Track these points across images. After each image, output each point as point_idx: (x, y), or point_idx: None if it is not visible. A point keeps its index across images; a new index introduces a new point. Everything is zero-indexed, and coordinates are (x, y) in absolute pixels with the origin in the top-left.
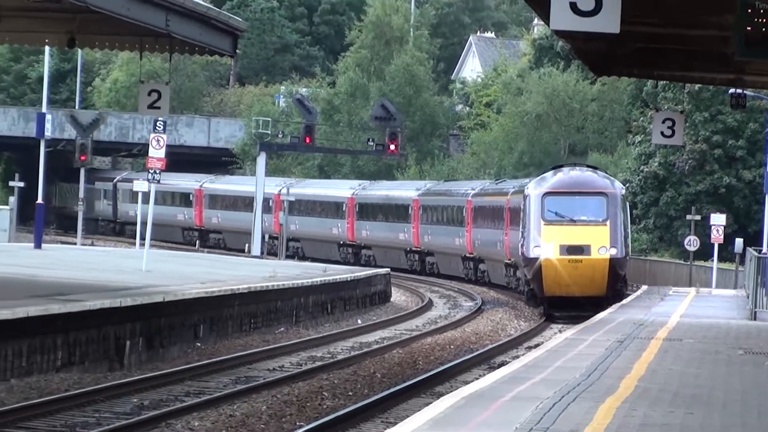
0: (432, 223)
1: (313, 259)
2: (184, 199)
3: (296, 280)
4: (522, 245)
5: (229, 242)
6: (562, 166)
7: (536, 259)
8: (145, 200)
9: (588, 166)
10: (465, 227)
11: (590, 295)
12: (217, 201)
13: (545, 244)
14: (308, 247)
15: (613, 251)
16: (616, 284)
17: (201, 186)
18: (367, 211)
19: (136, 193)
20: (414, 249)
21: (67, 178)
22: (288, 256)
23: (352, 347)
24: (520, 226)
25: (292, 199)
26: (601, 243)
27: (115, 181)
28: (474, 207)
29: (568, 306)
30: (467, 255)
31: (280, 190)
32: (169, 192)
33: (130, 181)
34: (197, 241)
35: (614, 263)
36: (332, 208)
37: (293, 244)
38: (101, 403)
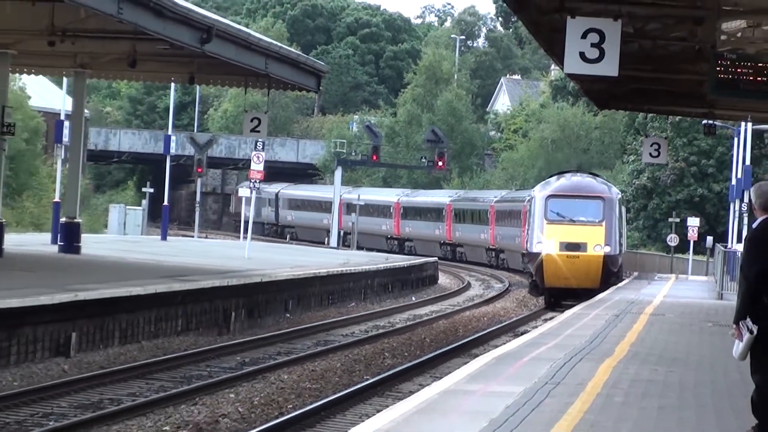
0: (461, 222)
1: (371, 249)
2: (326, 206)
3: (364, 266)
4: (527, 241)
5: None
6: (565, 172)
7: (539, 254)
8: (260, 204)
9: (589, 173)
10: (489, 225)
11: (586, 287)
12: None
13: (547, 240)
14: (366, 240)
15: (608, 249)
16: (609, 278)
17: (341, 196)
18: (410, 212)
19: (293, 200)
20: (447, 242)
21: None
22: (358, 248)
23: (407, 318)
24: (527, 224)
25: (362, 203)
26: (596, 241)
27: (277, 192)
28: (497, 210)
29: (566, 296)
30: (490, 247)
31: (356, 196)
32: (309, 200)
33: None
34: (288, 235)
35: (608, 259)
36: (384, 210)
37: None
38: (212, 359)
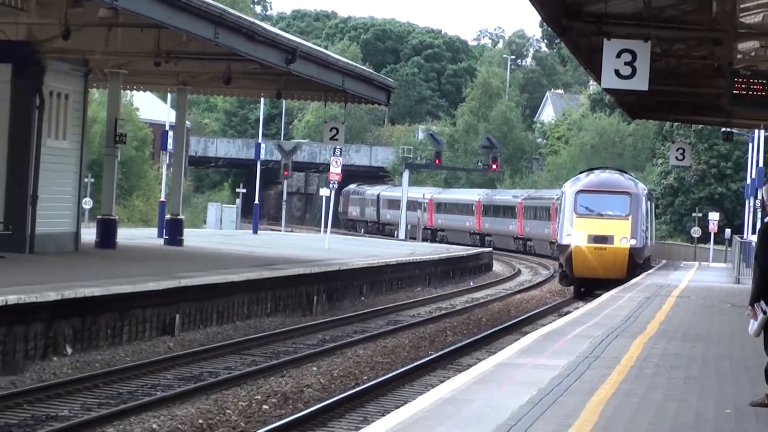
0: (531, 218)
1: (455, 244)
2: (417, 205)
3: (429, 256)
4: (557, 233)
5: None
6: (594, 169)
7: (568, 245)
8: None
9: (617, 170)
10: (516, 219)
11: (612, 277)
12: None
13: (576, 233)
14: (451, 236)
15: (633, 242)
16: (635, 269)
17: (426, 197)
18: (443, 207)
19: (393, 200)
20: (476, 231)
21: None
22: (423, 240)
23: (466, 301)
24: (558, 218)
25: (449, 202)
26: (623, 234)
27: (378, 193)
28: (524, 206)
29: (594, 286)
30: (518, 236)
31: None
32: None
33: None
34: (362, 229)
35: (633, 252)
36: (467, 209)
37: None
38: (297, 337)
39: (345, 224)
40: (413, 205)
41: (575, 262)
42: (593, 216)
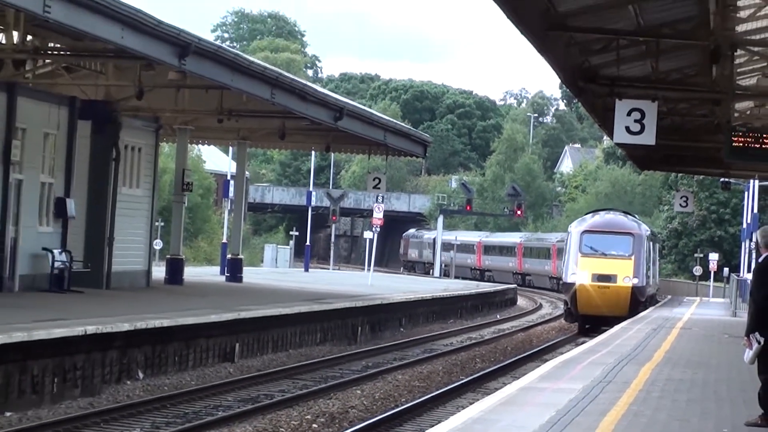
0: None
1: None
2: (470, 248)
3: (460, 291)
4: (563, 272)
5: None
6: (600, 210)
7: (573, 284)
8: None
9: (621, 211)
10: (551, 259)
11: (615, 315)
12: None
13: (581, 272)
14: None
15: (636, 281)
16: (637, 307)
17: (481, 239)
18: (490, 250)
19: (447, 244)
20: (518, 272)
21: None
22: (456, 277)
23: (493, 332)
24: (563, 257)
25: (492, 244)
26: (625, 273)
27: (434, 237)
28: (557, 248)
29: (597, 323)
30: (552, 276)
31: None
32: (457, 243)
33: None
34: (401, 267)
35: (636, 290)
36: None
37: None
38: (343, 364)
39: (406, 265)
40: (466, 247)
41: (580, 300)
42: (597, 255)
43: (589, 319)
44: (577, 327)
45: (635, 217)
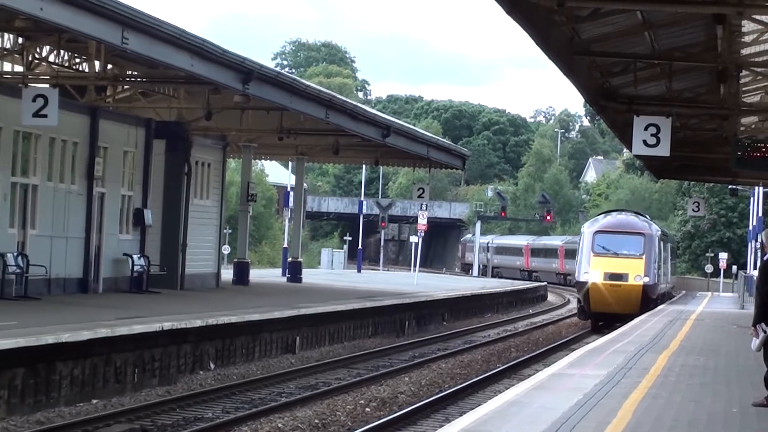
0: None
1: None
2: (518, 251)
3: (496, 289)
4: (576, 271)
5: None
6: (612, 211)
7: (585, 282)
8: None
9: (633, 212)
10: (558, 258)
11: (627, 312)
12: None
13: (593, 271)
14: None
15: (647, 279)
16: (648, 305)
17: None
18: (536, 252)
19: (500, 247)
20: (525, 269)
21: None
22: (493, 276)
23: (526, 324)
24: (577, 256)
25: (495, 245)
26: (636, 272)
27: (488, 242)
28: (565, 249)
29: (610, 320)
30: (559, 272)
31: (490, 240)
32: (507, 247)
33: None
34: (445, 268)
35: (647, 288)
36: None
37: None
38: (392, 354)
39: (463, 268)
40: (515, 250)
41: (592, 298)
42: (609, 255)
43: (601, 316)
44: (590, 324)
45: (646, 218)
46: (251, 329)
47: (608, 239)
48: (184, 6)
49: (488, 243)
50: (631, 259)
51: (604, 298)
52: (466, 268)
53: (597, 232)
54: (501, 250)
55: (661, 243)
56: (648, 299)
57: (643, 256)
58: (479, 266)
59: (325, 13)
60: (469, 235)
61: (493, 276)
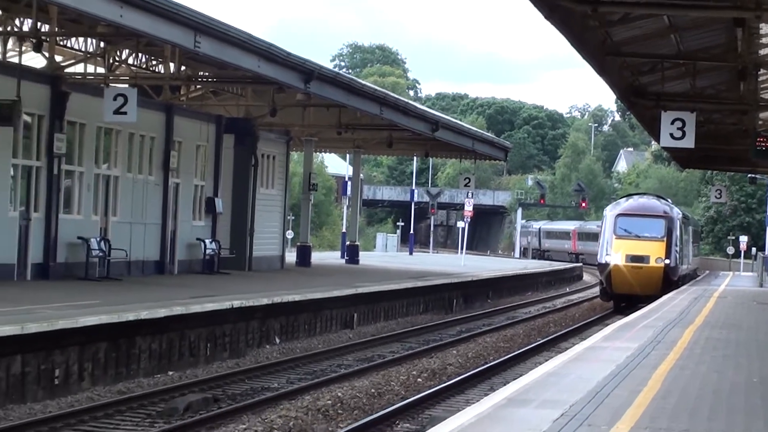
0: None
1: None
2: (565, 235)
3: (536, 269)
4: (598, 253)
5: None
6: (634, 194)
7: (608, 264)
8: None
9: (655, 195)
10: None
11: (648, 294)
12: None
13: (615, 253)
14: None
15: (668, 261)
16: (669, 286)
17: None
18: (583, 236)
19: (550, 232)
20: (572, 252)
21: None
22: (533, 258)
23: (564, 302)
24: (599, 239)
25: (546, 230)
26: (658, 254)
27: (539, 227)
28: (578, 233)
29: (631, 301)
30: (572, 251)
31: (541, 226)
32: (555, 231)
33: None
34: (529, 254)
35: (668, 270)
36: (565, 235)
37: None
38: (441, 329)
39: (520, 252)
40: (564, 234)
41: (614, 280)
42: (631, 237)
43: (623, 297)
44: (612, 305)
45: (668, 201)
46: (313, 307)
47: (630, 222)
48: (237, 14)
49: (539, 228)
50: (652, 242)
51: (626, 280)
52: (521, 252)
53: (619, 215)
54: (550, 235)
55: (682, 226)
56: (669, 281)
57: (664, 239)
58: (521, 248)
59: (366, 17)
60: (524, 221)
61: (543, 259)
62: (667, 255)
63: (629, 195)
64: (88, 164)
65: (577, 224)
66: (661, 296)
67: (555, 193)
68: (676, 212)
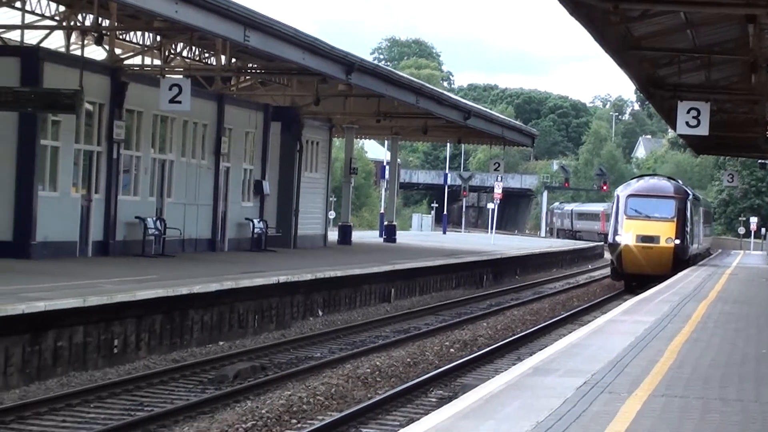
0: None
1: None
2: (596, 216)
3: (561, 248)
4: (610, 233)
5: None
6: (645, 175)
7: (618, 244)
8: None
9: (666, 177)
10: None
11: (658, 273)
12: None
13: (625, 233)
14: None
15: (677, 241)
16: (679, 266)
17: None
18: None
19: (581, 213)
20: (601, 232)
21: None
22: (566, 238)
23: (586, 278)
24: (611, 219)
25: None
26: (668, 234)
27: (572, 209)
28: (606, 214)
29: (642, 281)
30: (600, 232)
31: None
32: (586, 213)
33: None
34: (516, 230)
35: (678, 250)
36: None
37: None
38: (472, 303)
39: (552, 231)
40: (593, 216)
41: (624, 260)
42: (641, 218)
43: (633, 277)
44: (623, 285)
45: (678, 182)
46: (353, 282)
47: (641, 203)
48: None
49: (572, 210)
50: (662, 222)
51: (637, 260)
52: (553, 232)
53: (630, 195)
54: (581, 216)
55: (692, 206)
56: (679, 261)
57: (675, 219)
58: (546, 227)
59: (399, 19)
60: (556, 203)
61: (575, 239)
62: (677, 235)
63: (640, 176)
64: (146, 149)
65: (606, 206)
66: (671, 276)
67: (578, 177)
68: (686, 193)
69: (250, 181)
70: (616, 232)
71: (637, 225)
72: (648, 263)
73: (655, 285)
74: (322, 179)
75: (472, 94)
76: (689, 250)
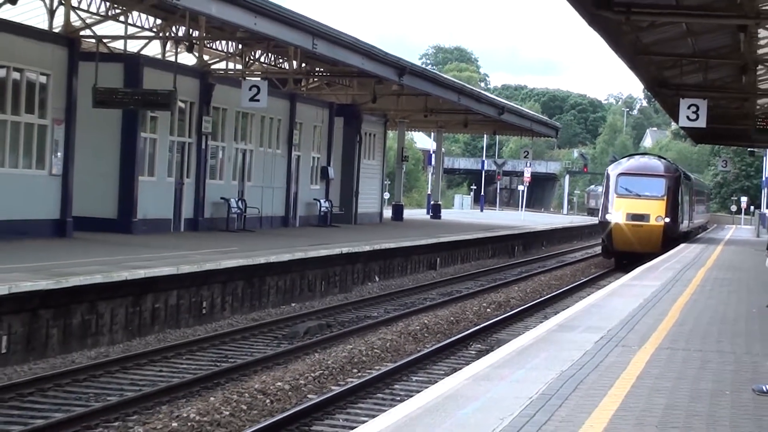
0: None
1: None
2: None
3: (581, 223)
4: (600, 211)
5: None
6: (635, 154)
7: (609, 222)
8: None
9: (656, 156)
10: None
11: (648, 251)
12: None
13: (616, 212)
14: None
15: (667, 220)
16: (669, 244)
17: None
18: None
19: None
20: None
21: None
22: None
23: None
24: (602, 197)
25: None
26: (658, 213)
27: (602, 190)
28: None
29: (632, 259)
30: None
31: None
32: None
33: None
34: (543, 209)
35: (667, 228)
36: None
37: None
38: (506, 270)
39: (589, 211)
40: None
41: (615, 238)
42: (632, 196)
43: (624, 255)
44: (613, 263)
45: (668, 161)
46: (405, 252)
47: (631, 181)
48: (346, 24)
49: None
50: (652, 201)
51: (627, 238)
52: (590, 212)
53: (620, 174)
54: None
55: (683, 185)
56: (669, 239)
57: (665, 198)
58: (568, 206)
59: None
60: (592, 186)
61: None
62: (667, 213)
63: (630, 155)
64: (229, 140)
65: None
66: (661, 254)
67: (595, 163)
68: (677, 171)
69: (317, 167)
70: (606, 210)
71: (627, 203)
72: (638, 241)
73: (643, 263)
74: (378, 165)
75: (504, 93)
76: (679, 228)
